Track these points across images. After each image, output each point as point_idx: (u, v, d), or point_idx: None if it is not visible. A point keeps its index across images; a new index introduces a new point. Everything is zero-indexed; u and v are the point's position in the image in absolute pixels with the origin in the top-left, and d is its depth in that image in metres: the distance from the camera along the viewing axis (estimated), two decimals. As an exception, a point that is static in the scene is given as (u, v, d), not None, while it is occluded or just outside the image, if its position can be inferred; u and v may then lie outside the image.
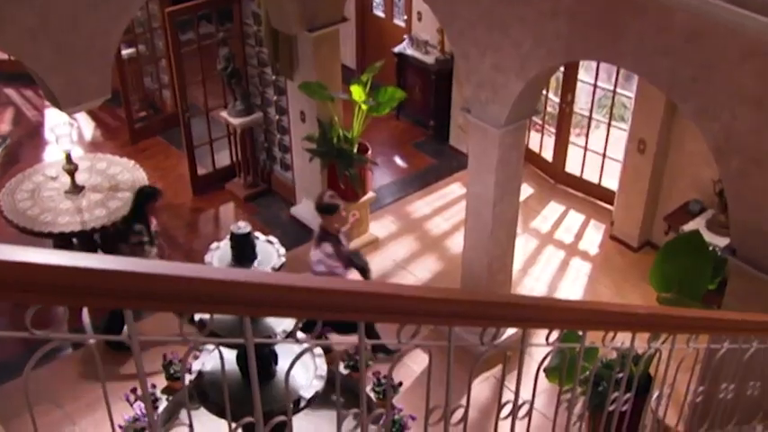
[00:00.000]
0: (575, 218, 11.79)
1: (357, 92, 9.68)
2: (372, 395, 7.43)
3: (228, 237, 5.77)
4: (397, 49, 13.23)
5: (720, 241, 8.89)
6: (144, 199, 8.75)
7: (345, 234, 8.71)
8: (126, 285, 1.98)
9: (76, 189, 10.11)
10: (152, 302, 2.10)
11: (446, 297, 2.48)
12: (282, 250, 5.93)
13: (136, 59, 13.15)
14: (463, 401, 3.20)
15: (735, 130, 6.01)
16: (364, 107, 9.84)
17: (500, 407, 3.33)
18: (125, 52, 12.77)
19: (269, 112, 11.73)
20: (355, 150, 10.32)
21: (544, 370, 7.38)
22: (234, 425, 2.59)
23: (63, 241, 9.82)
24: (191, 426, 2.56)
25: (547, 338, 3.30)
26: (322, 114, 10.30)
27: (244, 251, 5.76)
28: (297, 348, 5.99)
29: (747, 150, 6.01)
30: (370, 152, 10.69)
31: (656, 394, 4.83)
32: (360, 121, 10.08)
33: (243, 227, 5.73)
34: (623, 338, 3.97)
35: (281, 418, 2.54)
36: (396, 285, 2.51)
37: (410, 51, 13.08)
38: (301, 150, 10.73)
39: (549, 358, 3.59)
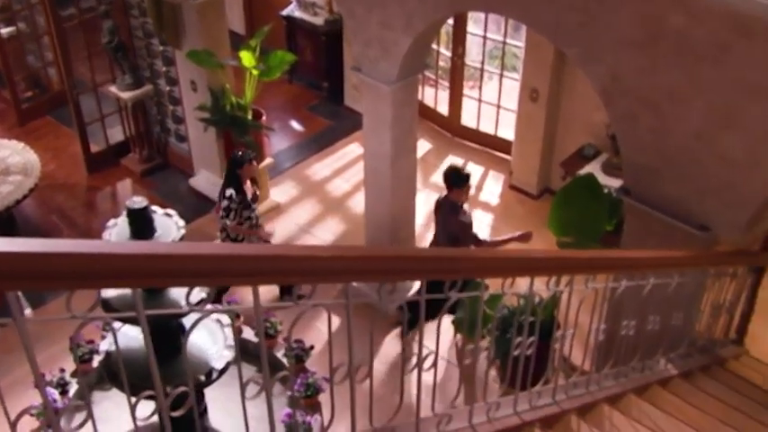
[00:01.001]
0: (474, 170, 11.85)
1: (246, 57, 9.59)
2: (285, 360, 7.42)
3: (125, 213, 5.67)
4: (285, 12, 13.11)
5: (616, 183, 9.09)
6: (234, 164, 8.65)
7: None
8: (10, 266, 1.94)
9: (-36, 175, 9.83)
10: (40, 282, 2.06)
11: (338, 254, 2.49)
12: (182, 222, 5.85)
13: (16, 38, 12.75)
14: (373, 358, 3.22)
15: (620, 73, 6.12)
16: (255, 72, 9.75)
17: (404, 360, 3.36)
18: (4, 31, 12.39)
19: (159, 84, 11.53)
20: (250, 117, 10.23)
21: (452, 321, 7.51)
22: (134, 399, 2.57)
23: (-45, 230, 9.56)
24: (88, 405, 2.52)
25: (447, 289, 3.33)
26: (213, 83, 10.17)
27: (141, 226, 5.66)
28: (207, 320, 5.97)
29: (634, 92, 6.13)
30: (264, 118, 10.62)
31: (559, 335, 4.94)
32: (252, 86, 9.98)
33: (138, 201, 5.63)
34: (527, 284, 4.05)
35: (182, 389, 2.53)
36: (288, 246, 2.49)
37: (298, 13, 12.98)
38: (195, 121, 10.59)
39: (449, 309, 3.62)
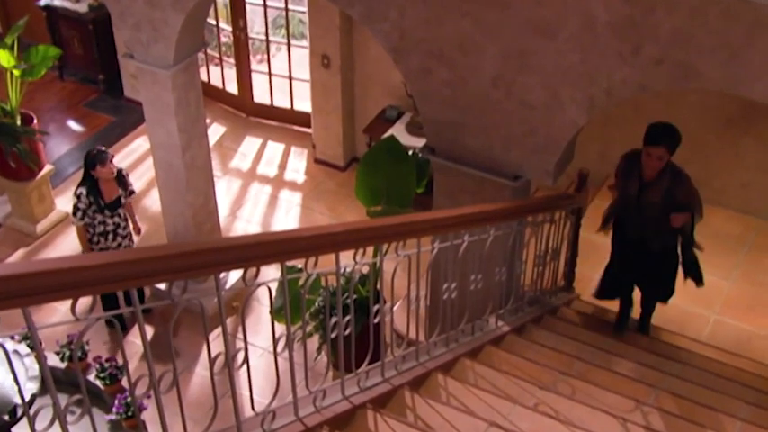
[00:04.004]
0: (274, 149, 11.92)
1: (4, 57, 9.29)
2: (98, 382, 7.28)
3: None
4: (42, 2, 12.67)
5: (422, 143, 9.27)
6: (86, 165, 8.50)
7: None
8: None
9: None
10: None
11: (99, 263, 2.46)
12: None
13: None
14: (197, 363, 3.22)
15: (406, 27, 6.23)
16: (17, 73, 9.46)
17: (212, 360, 3.37)
18: None
19: None
20: (19, 123, 9.90)
21: (270, 312, 7.52)
22: None
23: None
24: None
25: (243, 278, 3.36)
26: (-30, 90, 9.81)
27: None
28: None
29: (423, 45, 6.26)
30: (36, 122, 10.29)
31: (377, 309, 5.01)
32: (16, 89, 9.66)
33: None
34: (346, 262, 4.12)
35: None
36: (48, 260, 2.41)
37: (58, 2, 12.58)
38: (-43, 135, 10.18)
39: (259, 298, 3.65)
